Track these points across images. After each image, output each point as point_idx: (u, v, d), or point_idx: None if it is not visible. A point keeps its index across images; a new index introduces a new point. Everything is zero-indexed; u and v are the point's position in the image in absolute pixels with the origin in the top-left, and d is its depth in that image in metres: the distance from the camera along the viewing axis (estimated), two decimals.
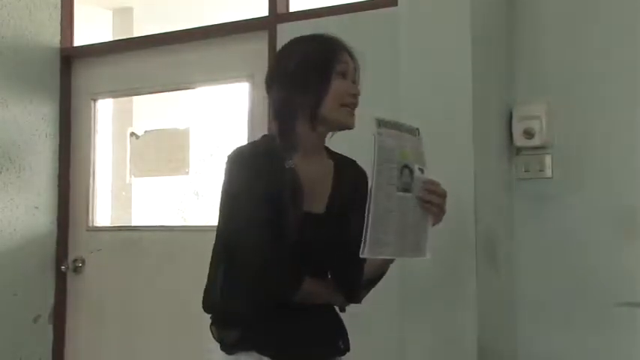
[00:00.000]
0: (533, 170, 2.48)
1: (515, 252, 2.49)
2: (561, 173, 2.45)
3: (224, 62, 3.11)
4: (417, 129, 1.61)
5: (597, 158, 2.41)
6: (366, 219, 1.50)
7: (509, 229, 2.49)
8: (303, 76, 1.68)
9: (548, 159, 2.47)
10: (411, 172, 1.55)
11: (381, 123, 1.53)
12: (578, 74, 2.45)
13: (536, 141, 2.45)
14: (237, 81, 3.12)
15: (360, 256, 1.51)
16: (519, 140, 2.48)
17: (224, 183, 1.67)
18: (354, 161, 1.82)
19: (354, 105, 1.70)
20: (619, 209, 2.37)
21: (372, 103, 2.52)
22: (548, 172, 2.47)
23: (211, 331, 1.72)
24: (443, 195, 1.64)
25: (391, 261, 1.75)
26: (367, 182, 1.67)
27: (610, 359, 2.33)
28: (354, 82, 1.73)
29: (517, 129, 2.48)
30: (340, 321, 1.80)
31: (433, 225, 1.63)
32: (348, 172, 1.79)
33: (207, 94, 3.48)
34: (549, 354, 2.40)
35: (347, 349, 1.79)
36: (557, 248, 2.43)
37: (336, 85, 1.67)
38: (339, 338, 1.78)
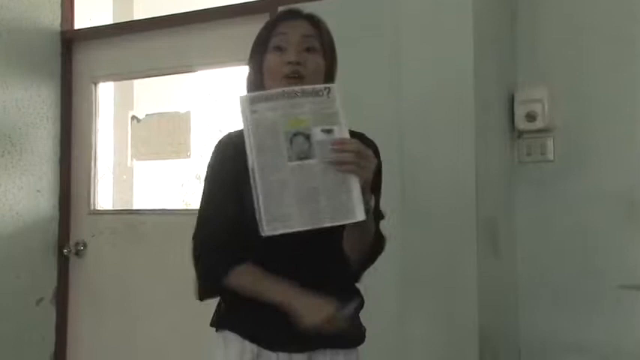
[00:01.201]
0: (535, 153, 2.48)
1: (517, 235, 2.49)
2: (563, 156, 2.45)
3: (225, 45, 3.10)
4: (326, 88, 1.49)
5: (599, 141, 2.41)
6: (255, 198, 1.44)
7: (510, 212, 2.49)
8: (249, 58, 1.72)
9: (549, 142, 2.47)
10: (307, 137, 1.46)
11: (253, 99, 1.46)
12: (581, 57, 2.44)
13: (538, 124, 2.44)
14: (238, 64, 3.10)
15: (262, 234, 1.43)
16: (521, 123, 2.47)
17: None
18: (362, 134, 1.71)
19: (294, 73, 1.62)
20: (621, 192, 2.37)
21: (373, 86, 2.53)
22: (550, 156, 2.47)
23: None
24: (355, 151, 1.47)
25: (364, 228, 1.57)
26: (377, 155, 1.63)
27: (612, 342, 2.34)
28: (309, 49, 1.65)
29: (519, 112, 2.47)
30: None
31: (363, 183, 1.48)
32: None
33: (208, 77, 3.47)
34: (551, 337, 2.41)
35: (345, 344, 1.67)
36: (559, 231, 2.44)
37: (268, 59, 1.65)
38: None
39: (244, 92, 1.66)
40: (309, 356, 1.63)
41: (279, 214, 1.45)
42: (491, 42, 2.42)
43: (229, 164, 1.63)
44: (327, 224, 1.48)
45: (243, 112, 1.46)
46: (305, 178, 1.47)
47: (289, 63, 1.63)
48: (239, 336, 1.63)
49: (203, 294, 1.66)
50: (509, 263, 2.47)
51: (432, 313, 2.32)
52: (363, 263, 1.68)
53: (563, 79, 2.45)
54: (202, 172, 1.76)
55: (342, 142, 1.47)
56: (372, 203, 1.54)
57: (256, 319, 1.61)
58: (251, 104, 1.46)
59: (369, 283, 1.76)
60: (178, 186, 3.76)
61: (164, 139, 3.45)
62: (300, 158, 1.47)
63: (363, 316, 1.71)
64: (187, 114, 3.40)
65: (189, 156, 3.41)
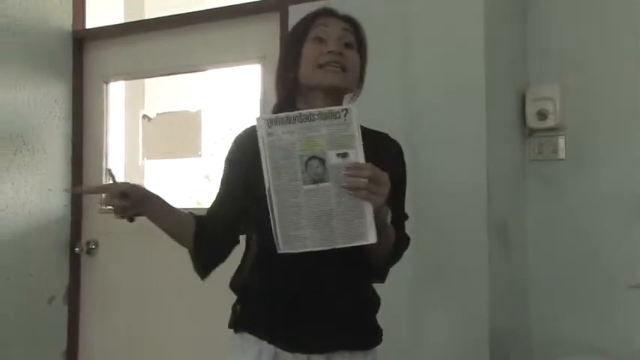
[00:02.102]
0: (546, 152, 2.48)
1: (528, 234, 2.49)
2: (574, 155, 2.44)
3: (236, 44, 3.11)
4: (343, 110, 1.46)
5: (611, 140, 2.40)
6: (271, 218, 1.48)
7: (521, 210, 2.48)
8: (283, 50, 1.71)
9: (561, 140, 2.46)
10: (322, 161, 1.46)
11: (270, 122, 1.46)
12: (593, 56, 2.43)
13: (549, 122, 2.44)
14: (248, 63, 3.11)
15: (278, 251, 1.48)
16: (532, 122, 2.46)
17: None
18: (386, 135, 1.72)
19: (335, 63, 1.62)
20: (632, 191, 2.36)
21: (383, 85, 2.53)
22: (562, 154, 2.46)
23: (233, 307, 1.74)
24: (369, 176, 1.44)
25: (382, 237, 1.55)
26: (400, 155, 1.69)
27: (623, 341, 2.34)
28: (347, 44, 1.66)
29: (530, 110, 2.47)
30: (357, 314, 1.66)
31: (376, 208, 1.48)
32: (372, 143, 1.58)
33: (218, 77, 3.48)
34: (562, 336, 2.41)
35: (364, 344, 1.66)
36: (570, 229, 2.43)
37: (306, 49, 1.64)
38: (350, 331, 1.63)
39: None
40: (327, 357, 1.61)
41: (294, 235, 1.49)
42: (502, 40, 2.41)
43: (240, 158, 1.64)
44: (341, 245, 1.51)
45: (259, 133, 1.46)
46: (319, 202, 1.48)
47: (330, 52, 1.62)
48: (257, 337, 1.62)
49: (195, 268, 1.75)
50: (521, 262, 2.46)
51: (444, 312, 2.32)
52: (385, 264, 1.69)
53: (574, 77, 2.44)
54: (212, 172, 1.78)
55: (356, 167, 1.45)
56: (389, 217, 1.55)
57: (275, 319, 1.61)
58: (268, 126, 1.46)
59: (379, 287, 1.77)
60: (189, 185, 3.77)
61: (175, 138, 3.46)
62: (315, 181, 1.48)
63: (377, 316, 1.72)
64: (198, 113, 3.40)
65: (200, 155, 3.41)
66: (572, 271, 2.42)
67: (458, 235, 2.31)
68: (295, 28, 1.71)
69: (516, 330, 2.42)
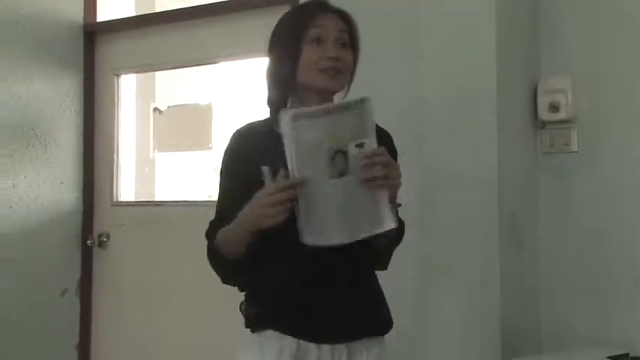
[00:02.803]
0: (559, 144, 2.46)
1: (539, 227, 2.47)
2: (587, 147, 2.42)
3: (246, 37, 3.10)
4: (361, 100, 1.49)
5: (623, 132, 2.38)
6: (296, 211, 1.48)
7: (533, 203, 2.47)
8: (279, 47, 1.68)
9: (573, 133, 2.44)
10: (344, 154, 1.48)
11: (295, 117, 1.46)
12: (605, 46, 2.40)
13: (561, 115, 2.42)
14: (259, 56, 3.10)
15: (303, 242, 1.49)
16: (544, 114, 2.45)
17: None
18: (380, 128, 1.72)
19: (334, 69, 1.63)
20: None
21: (393, 79, 2.52)
22: (574, 147, 2.44)
23: (240, 307, 1.70)
24: (384, 163, 1.50)
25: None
26: (392, 142, 1.71)
27: (634, 336, 2.32)
28: (344, 44, 1.66)
29: (542, 102, 2.45)
30: (371, 299, 1.71)
31: (391, 195, 1.54)
32: None
33: (229, 69, 3.48)
34: (573, 331, 2.39)
35: (380, 329, 1.70)
36: (582, 223, 2.41)
37: (307, 52, 1.63)
38: (369, 315, 1.68)
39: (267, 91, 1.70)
40: (348, 347, 1.64)
41: (320, 228, 1.50)
42: (514, 31, 2.40)
43: (243, 154, 1.63)
44: (362, 237, 1.53)
45: (284, 128, 1.47)
46: (344, 194, 1.50)
47: (330, 58, 1.63)
48: (279, 333, 1.61)
49: (218, 274, 1.70)
50: (532, 255, 2.45)
51: (454, 306, 2.31)
52: (391, 250, 1.73)
53: (587, 68, 2.42)
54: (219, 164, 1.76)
55: (372, 154, 1.49)
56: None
57: (300, 313, 1.61)
58: (293, 121, 1.46)
59: (391, 274, 1.77)
60: (200, 177, 3.78)
61: (186, 130, 3.47)
62: (340, 175, 1.49)
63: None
64: (209, 106, 3.41)
65: (210, 148, 3.42)
66: (583, 265, 2.40)
67: (468, 229, 2.30)
68: (291, 25, 1.68)
69: (527, 323, 2.41)
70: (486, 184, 2.26)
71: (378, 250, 1.68)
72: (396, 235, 1.66)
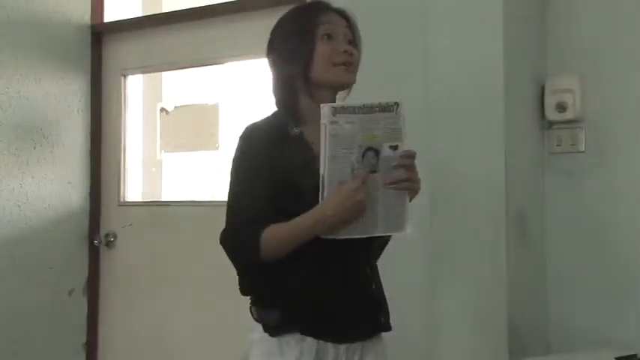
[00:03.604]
0: (566, 144, 2.45)
1: (547, 227, 2.47)
2: (594, 148, 2.42)
3: (253, 37, 3.09)
4: (395, 103, 1.55)
5: (631, 132, 2.37)
6: (320, 202, 1.52)
7: (540, 203, 2.46)
8: (289, 47, 1.69)
9: (580, 133, 2.43)
10: (376, 152, 1.53)
11: (336, 111, 1.50)
12: (613, 46, 2.40)
13: (568, 114, 2.41)
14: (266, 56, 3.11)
15: (323, 236, 1.53)
16: (551, 114, 2.44)
17: (232, 159, 1.69)
18: None
19: (349, 62, 1.67)
20: None
21: (401, 78, 2.51)
22: (581, 147, 2.44)
23: (251, 312, 1.69)
24: (413, 167, 1.60)
25: None
26: None
27: None
28: (350, 41, 1.69)
29: (549, 102, 2.44)
30: (381, 297, 1.75)
31: (411, 199, 1.61)
32: None
33: (236, 70, 3.48)
34: (580, 329, 2.39)
35: (389, 325, 1.74)
36: (589, 223, 2.41)
37: (321, 47, 1.65)
38: (380, 314, 1.73)
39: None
40: (362, 344, 1.68)
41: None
42: (521, 30, 2.39)
43: (263, 153, 1.62)
44: (379, 234, 1.60)
45: (323, 119, 1.50)
46: (370, 191, 1.54)
47: (344, 52, 1.66)
48: (300, 335, 1.61)
49: (244, 280, 1.68)
50: (539, 255, 2.44)
51: (461, 304, 2.31)
52: (381, 250, 1.79)
53: (594, 68, 2.42)
54: (225, 164, 1.75)
55: (408, 156, 1.57)
56: None
57: (323, 314, 1.62)
58: (332, 114, 1.50)
59: (398, 274, 1.77)
60: (206, 178, 3.79)
61: (192, 131, 3.48)
62: (370, 172, 1.54)
63: (392, 315, 1.75)
64: (216, 106, 3.41)
65: (217, 148, 3.42)
66: (591, 265, 2.40)
67: (476, 227, 2.30)
68: (298, 24, 1.70)
69: (535, 323, 2.41)
70: (494, 184, 2.26)
71: (374, 249, 1.74)
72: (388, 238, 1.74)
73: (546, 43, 2.49)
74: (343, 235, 1.54)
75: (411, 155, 1.57)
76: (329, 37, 1.67)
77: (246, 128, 1.70)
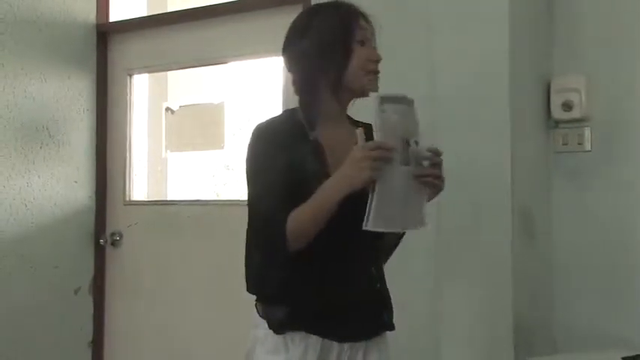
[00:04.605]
0: (572, 143, 2.45)
1: (553, 225, 2.47)
2: (600, 147, 2.41)
3: (258, 36, 3.11)
4: (412, 100, 1.58)
5: (637, 131, 2.37)
6: (370, 194, 1.50)
7: (546, 202, 2.46)
8: (325, 50, 1.65)
9: (587, 132, 2.43)
10: (408, 144, 1.55)
11: (384, 100, 1.52)
12: (619, 45, 2.39)
13: (575, 113, 2.41)
14: (271, 55, 3.12)
15: (363, 228, 1.50)
16: (557, 113, 2.44)
17: (246, 159, 1.67)
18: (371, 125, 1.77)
19: (378, 71, 1.69)
20: None
21: (407, 77, 2.51)
22: (587, 146, 2.43)
23: (256, 309, 1.70)
24: (440, 164, 1.61)
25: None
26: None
27: None
28: (374, 47, 1.71)
29: (555, 101, 2.44)
30: (386, 296, 1.75)
31: (434, 195, 1.63)
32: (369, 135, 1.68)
33: (241, 69, 3.49)
34: (586, 328, 2.39)
35: (392, 324, 1.75)
36: (595, 222, 2.40)
37: (358, 53, 1.65)
38: (384, 312, 1.74)
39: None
40: (366, 343, 1.69)
41: (386, 214, 1.53)
42: (527, 29, 2.39)
43: (282, 155, 1.61)
44: (410, 229, 1.61)
45: (373, 109, 1.52)
46: (405, 184, 1.55)
47: (377, 61, 1.68)
48: (305, 333, 1.62)
49: (255, 279, 1.68)
50: (545, 253, 2.44)
51: (467, 302, 2.31)
52: (393, 249, 1.80)
53: (600, 67, 2.41)
54: (234, 163, 1.74)
55: (437, 152, 1.58)
56: None
57: (330, 313, 1.62)
58: (380, 103, 1.51)
59: (403, 272, 1.77)
60: (212, 176, 3.79)
61: (198, 130, 3.48)
62: (405, 164, 1.55)
63: (397, 311, 1.75)
64: (221, 105, 3.41)
65: (222, 147, 3.43)
66: (597, 264, 2.39)
67: (482, 225, 2.29)
68: (335, 30, 1.66)
69: (541, 322, 2.40)
70: (500, 182, 2.26)
71: (386, 248, 1.75)
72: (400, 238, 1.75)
73: (552, 42, 2.48)
74: (382, 229, 1.53)
75: (440, 153, 1.58)
76: (362, 43, 1.67)
77: (260, 128, 1.67)
